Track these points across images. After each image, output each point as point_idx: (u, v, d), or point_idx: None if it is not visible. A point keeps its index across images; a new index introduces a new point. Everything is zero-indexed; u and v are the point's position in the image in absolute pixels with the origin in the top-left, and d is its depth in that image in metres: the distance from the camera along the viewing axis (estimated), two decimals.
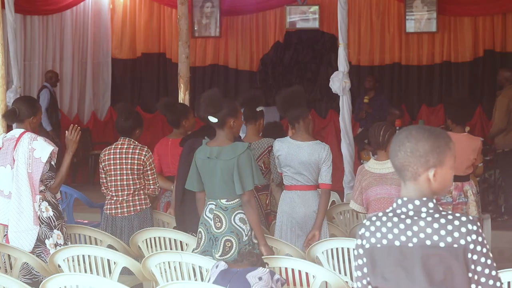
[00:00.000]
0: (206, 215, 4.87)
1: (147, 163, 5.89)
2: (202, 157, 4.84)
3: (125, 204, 5.88)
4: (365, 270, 2.52)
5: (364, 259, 2.51)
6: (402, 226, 2.44)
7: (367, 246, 2.49)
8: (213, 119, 4.78)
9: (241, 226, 4.79)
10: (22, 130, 5.51)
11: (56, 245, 5.38)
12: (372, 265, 2.48)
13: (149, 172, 5.91)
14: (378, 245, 2.46)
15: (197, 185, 4.93)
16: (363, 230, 2.52)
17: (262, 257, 4.63)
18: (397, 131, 2.58)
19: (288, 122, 5.66)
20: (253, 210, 4.81)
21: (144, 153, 5.88)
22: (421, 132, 2.47)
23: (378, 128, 5.36)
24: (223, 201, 4.81)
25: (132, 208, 5.89)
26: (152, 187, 5.92)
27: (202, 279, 4.66)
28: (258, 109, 5.94)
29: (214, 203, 4.83)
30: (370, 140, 5.43)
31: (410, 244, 2.42)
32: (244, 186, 4.74)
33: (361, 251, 2.52)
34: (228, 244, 4.75)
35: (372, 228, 2.49)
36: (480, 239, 2.41)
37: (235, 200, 4.80)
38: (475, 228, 2.42)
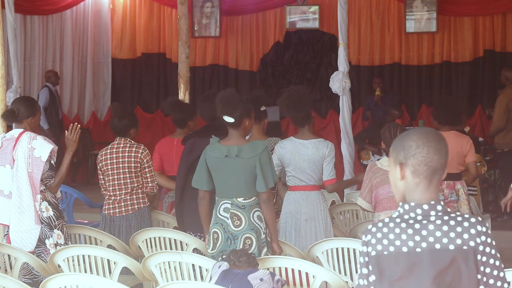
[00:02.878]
0: (220, 214, 4.81)
1: (144, 161, 5.89)
2: (217, 155, 4.79)
3: (123, 203, 5.88)
4: (371, 279, 2.47)
5: (370, 268, 2.46)
6: (410, 231, 2.40)
7: (373, 253, 2.44)
8: (229, 119, 4.77)
9: (259, 224, 4.78)
10: (21, 130, 5.50)
11: (56, 245, 5.37)
12: (380, 273, 2.43)
13: (146, 170, 5.90)
14: (385, 252, 2.42)
15: (207, 184, 4.88)
16: (369, 236, 2.47)
17: (262, 257, 4.64)
18: (411, 129, 2.53)
19: (294, 123, 5.67)
20: (272, 208, 4.84)
21: (140, 151, 5.88)
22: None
23: (394, 128, 5.34)
24: (240, 199, 4.78)
25: (130, 207, 5.89)
26: (150, 185, 5.92)
27: (202, 279, 4.66)
28: (262, 108, 5.93)
29: (230, 202, 4.79)
30: (385, 139, 5.37)
31: (418, 249, 2.38)
32: (267, 183, 4.74)
33: (366, 259, 2.47)
34: (248, 241, 4.74)
35: (379, 235, 2.44)
36: (489, 240, 2.41)
37: (252, 198, 4.79)
38: (484, 229, 2.40)
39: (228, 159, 4.76)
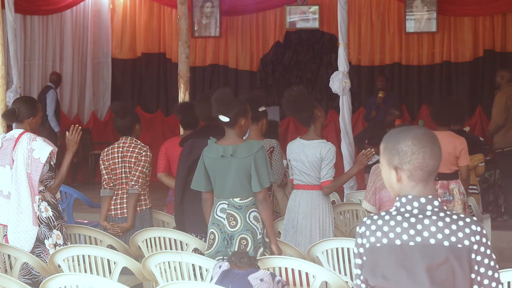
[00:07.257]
0: (217, 215, 4.81)
1: (142, 159, 5.80)
2: (213, 156, 4.79)
3: (124, 205, 5.85)
4: (364, 270, 2.49)
5: (364, 258, 2.48)
6: (405, 224, 2.42)
7: (367, 245, 2.46)
8: (224, 119, 4.76)
9: (256, 224, 4.78)
10: (22, 130, 5.50)
11: (55, 245, 5.37)
12: (372, 265, 2.45)
13: (134, 167, 5.80)
14: (378, 244, 2.44)
15: (205, 185, 4.88)
16: (363, 228, 2.49)
17: (261, 257, 4.64)
18: (404, 130, 2.52)
19: (299, 123, 5.69)
20: (268, 208, 4.82)
21: (142, 152, 5.83)
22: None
23: None
24: (237, 199, 4.78)
25: None
26: (132, 183, 5.76)
27: (202, 279, 4.66)
28: (260, 109, 5.92)
29: (226, 202, 4.79)
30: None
31: (411, 243, 2.39)
32: (262, 183, 4.73)
33: (361, 250, 2.49)
34: (243, 242, 4.74)
35: (373, 227, 2.46)
36: (484, 240, 2.41)
37: (249, 199, 4.78)
38: (479, 229, 2.41)
39: (223, 159, 4.76)
